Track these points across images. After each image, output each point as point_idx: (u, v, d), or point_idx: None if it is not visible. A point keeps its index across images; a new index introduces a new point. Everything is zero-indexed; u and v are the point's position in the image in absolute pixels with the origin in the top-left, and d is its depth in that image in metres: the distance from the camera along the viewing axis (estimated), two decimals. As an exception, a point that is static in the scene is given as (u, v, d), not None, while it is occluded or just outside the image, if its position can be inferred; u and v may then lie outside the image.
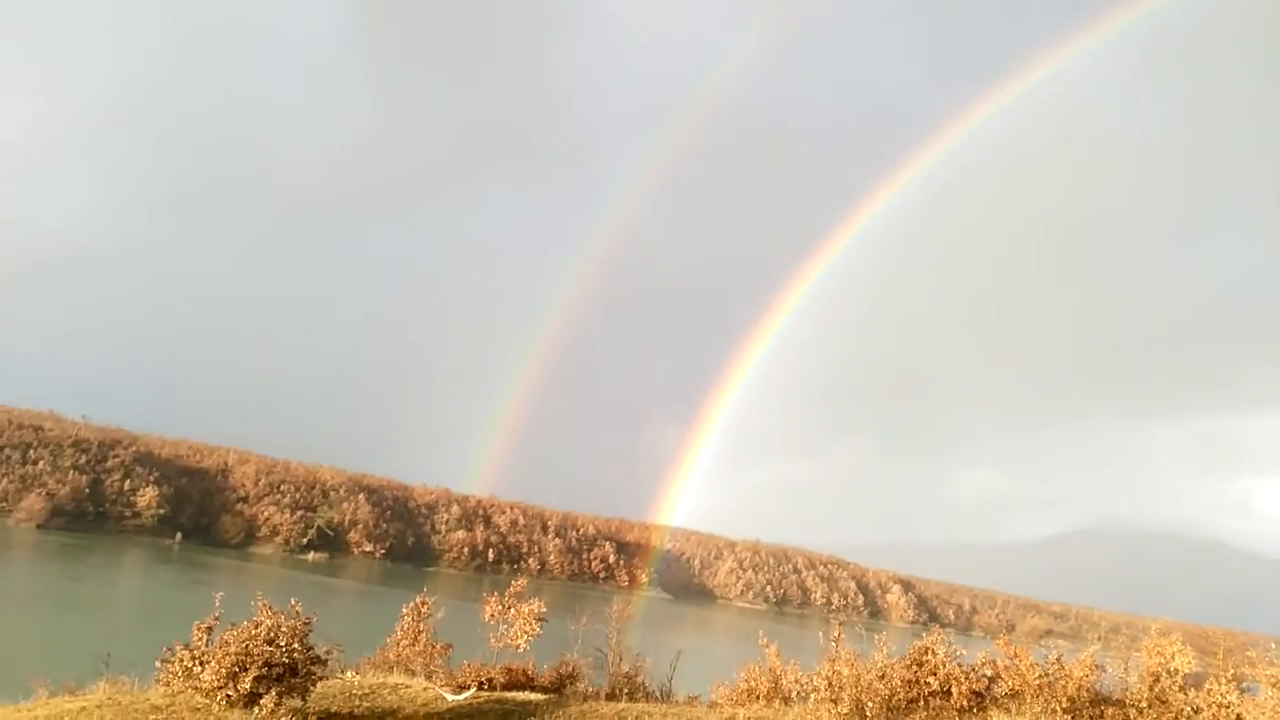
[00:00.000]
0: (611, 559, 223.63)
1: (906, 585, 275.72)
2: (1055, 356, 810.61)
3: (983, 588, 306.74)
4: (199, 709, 16.63)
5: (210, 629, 17.99)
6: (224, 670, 16.68)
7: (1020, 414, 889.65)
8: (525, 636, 23.93)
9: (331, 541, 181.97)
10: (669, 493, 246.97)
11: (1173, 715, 19.79)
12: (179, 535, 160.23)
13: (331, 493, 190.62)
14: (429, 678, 23.62)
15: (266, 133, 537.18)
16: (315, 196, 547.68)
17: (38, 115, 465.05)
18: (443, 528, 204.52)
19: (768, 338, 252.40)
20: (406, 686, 22.34)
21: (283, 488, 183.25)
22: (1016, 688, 20.87)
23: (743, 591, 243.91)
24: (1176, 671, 20.58)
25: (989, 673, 21.04)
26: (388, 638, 26.86)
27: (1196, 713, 19.50)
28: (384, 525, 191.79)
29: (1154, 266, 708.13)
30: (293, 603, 18.44)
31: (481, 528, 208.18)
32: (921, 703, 19.76)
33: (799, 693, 23.27)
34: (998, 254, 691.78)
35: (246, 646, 16.96)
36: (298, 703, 17.58)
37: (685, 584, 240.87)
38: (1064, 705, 20.61)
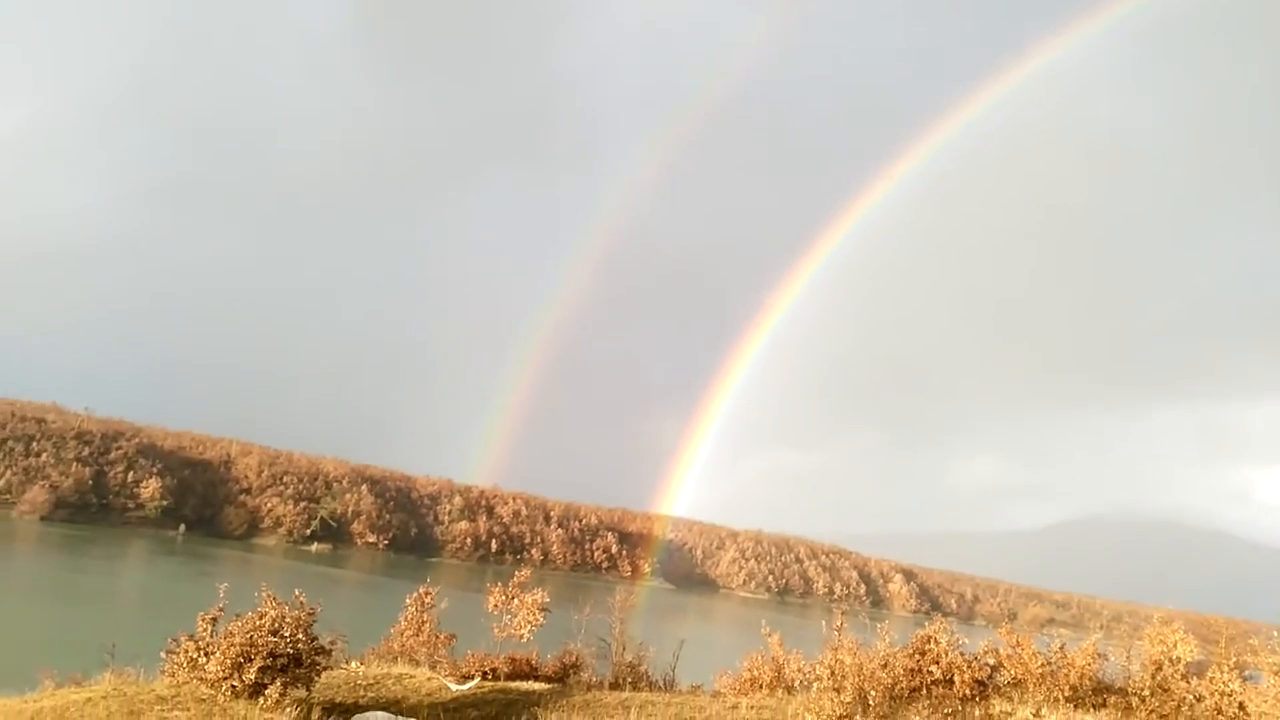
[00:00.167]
0: (614, 549, 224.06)
1: (908, 574, 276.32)
2: (1054, 348, 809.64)
3: (984, 576, 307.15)
4: (204, 699, 16.68)
5: (215, 620, 18.01)
6: (229, 661, 16.71)
7: (1020, 403, 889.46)
8: (529, 626, 24.07)
9: (335, 532, 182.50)
10: (671, 484, 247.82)
11: (1175, 703, 19.79)
12: (182, 527, 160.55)
13: (334, 484, 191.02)
14: (433, 668, 23.72)
15: (267, 127, 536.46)
16: (318, 189, 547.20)
17: (38, 110, 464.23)
18: (446, 518, 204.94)
19: (768, 331, 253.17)
20: (411, 676, 22.41)
21: (286, 479, 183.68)
22: (1019, 676, 20.89)
23: (745, 581, 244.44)
24: (1179, 660, 20.56)
25: (991, 661, 21.03)
26: (392, 628, 26.99)
27: (1199, 700, 19.50)
28: (387, 516, 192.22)
29: (1155, 260, 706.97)
30: (297, 593, 18.46)
31: (484, 518, 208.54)
32: (924, 691, 19.77)
33: (802, 682, 23.35)
34: (997, 247, 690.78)
35: (251, 637, 16.99)
36: (302, 693, 17.63)
37: (688, 574, 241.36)
38: (1066, 694, 20.64)
